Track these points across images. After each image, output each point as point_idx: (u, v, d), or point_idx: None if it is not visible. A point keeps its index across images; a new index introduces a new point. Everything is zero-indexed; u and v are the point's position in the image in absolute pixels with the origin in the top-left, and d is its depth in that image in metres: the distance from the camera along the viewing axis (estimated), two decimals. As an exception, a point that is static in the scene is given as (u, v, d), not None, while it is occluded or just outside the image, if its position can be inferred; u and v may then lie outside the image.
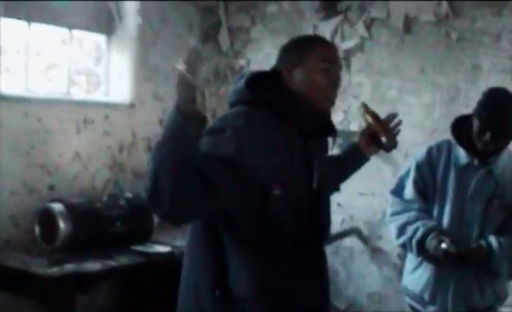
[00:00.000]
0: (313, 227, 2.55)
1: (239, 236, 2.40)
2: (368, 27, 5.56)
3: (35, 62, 5.24)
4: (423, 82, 5.32)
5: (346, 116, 5.65)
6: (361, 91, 5.60)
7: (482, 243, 3.56)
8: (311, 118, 2.56)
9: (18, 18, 4.90)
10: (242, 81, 2.55)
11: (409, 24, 5.38)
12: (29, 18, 4.98)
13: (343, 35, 5.69)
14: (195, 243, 2.54)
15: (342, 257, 5.72)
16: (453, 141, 3.65)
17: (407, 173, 3.80)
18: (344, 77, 5.62)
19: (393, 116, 3.18)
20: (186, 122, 2.16)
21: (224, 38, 6.26)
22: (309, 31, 5.75)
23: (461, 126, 3.66)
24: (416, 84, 5.33)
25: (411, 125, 5.29)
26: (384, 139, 3.05)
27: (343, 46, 5.65)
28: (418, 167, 3.74)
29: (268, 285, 2.43)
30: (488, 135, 3.46)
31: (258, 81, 2.56)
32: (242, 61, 6.17)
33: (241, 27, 6.21)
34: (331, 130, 2.68)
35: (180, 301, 2.65)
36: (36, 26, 5.07)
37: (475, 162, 3.59)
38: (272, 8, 6.05)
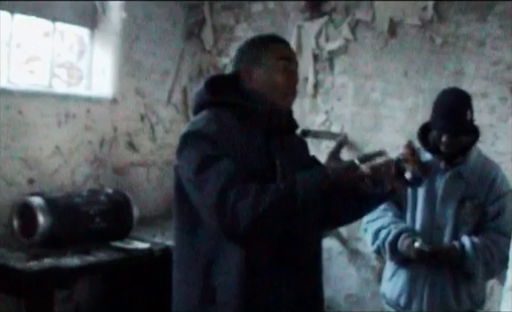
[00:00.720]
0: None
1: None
2: (352, 29, 5.56)
3: (16, 54, 5.19)
4: (407, 86, 5.33)
5: (328, 117, 5.65)
6: (344, 93, 5.61)
7: (456, 243, 3.58)
8: (271, 116, 2.59)
9: (1, 9, 4.86)
10: (202, 85, 2.62)
11: (393, 27, 5.39)
12: (13, 9, 4.94)
13: (327, 36, 5.68)
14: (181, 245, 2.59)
15: (321, 258, 5.72)
16: (420, 147, 3.69)
17: None
18: (328, 78, 5.64)
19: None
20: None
21: (208, 36, 6.25)
22: (293, 31, 5.75)
23: (426, 132, 3.71)
24: (400, 87, 5.34)
25: (394, 128, 5.31)
26: (411, 171, 2.66)
27: (327, 47, 5.65)
28: None
29: (252, 289, 2.45)
30: (445, 137, 3.53)
31: (218, 83, 2.62)
32: (225, 60, 6.15)
33: (225, 25, 6.20)
34: (292, 127, 2.75)
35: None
36: (18, 17, 5.03)
37: (442, 165, 3.64)
38: (256, 7, 6.04)
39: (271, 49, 2.62)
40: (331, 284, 5.59)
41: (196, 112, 2.60)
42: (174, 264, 2.63)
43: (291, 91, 2.64)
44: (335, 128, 5.57)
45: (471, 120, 3.59)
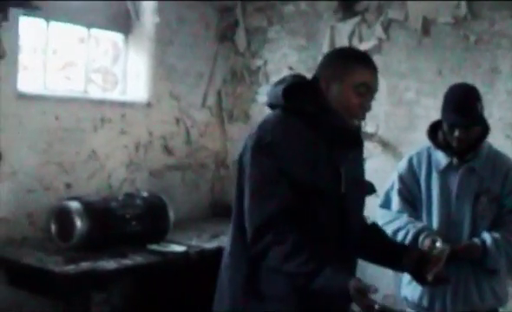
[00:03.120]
0: (344, 230, 2.66)
1: None
2: (386, 28, 5.54)
3: (52, 61, 5.26)
4: (441, 85, 5.26)
5: (363, 117, 5.62)
6: (378, 93, 5.55)
7: (476, 240, 3.57)
8: (338, 131, 2.64)
9: (38, 17, 4.92)
10: (280, 87, 2.67)
11: (427, 26, 5.35)
12: (48, 17, 5.00)
13: (360, 36, 5.67)
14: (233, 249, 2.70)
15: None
16: (432, 146, 3.67)
17: (392, 186, 3.82)
18: (362, 79, 5.61)
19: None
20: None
21: (241, 38, 6.26)
22: (326, 32, 5.74)
23: (437, 130, 3.70)
24: (434, 86, 5.29)
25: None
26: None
27: (360, 47, 5.62)
28: (401, 178, 3.79)
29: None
30: (457, 131, 3.52)
31: (295, 87, 2.67)
32: (259, 62, 6.16)
33: (258, 27, 6.21)
34: (358, 143, 2.78)
35: (216, 302, 2.78)
36: (54, 25, 5.09)
37: (455, 161, 3.63)
38: (289, 8, 6.04)
39: (355, 70, 2.64)
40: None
41: (271, 107, 2.74)
42: (225, 261, 2.74)
43: (361, 115, 2.69)
44: (369, 128, 5.54)
45: (481, 114, 3.58)
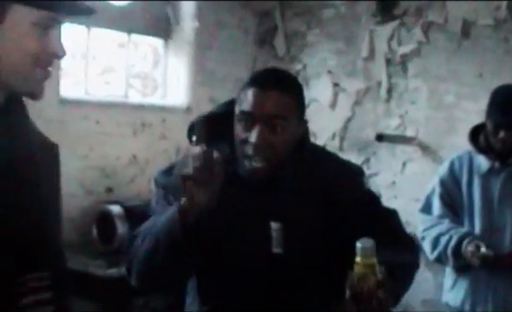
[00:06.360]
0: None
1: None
2: (425, 31, 5.51)
3: (92, 66, 5.32)
4: (481, 88, 5.24)
5: (402, 121, 5.60)
6: (418, 96, 5.55)
7: None
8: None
9: (79, 23, 4.98)
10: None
11: (467, 28, 5.31)
12: (89, 23, 5.06)
13: (399, 39, 5.65)
14: None
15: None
16: (473, 150, 3.64)
17: (433, 191, 3.80)
18: (401, 82, 5.59)
19: None
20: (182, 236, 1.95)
21: (280, 43, 6.27)
22: (365, 36, 5.73)
23: (478, 134, 3.68)
24: (474, 89, 5.25)
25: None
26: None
27: (400, 50, 5.61)
28: (442, 182, 3.76)
29: None
30: (502, 132, 3.49)
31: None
32: (298, 66, 6.17)
33: (297, 31, 6.21)
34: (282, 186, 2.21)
35: None
36: (94, 30, 5.15)
37: (497, 165, 3.60)
38: (328, 12, 6.04)
39: (239, 98, 2.20)
40: (407, 289, 5.54)
41: None
42: None
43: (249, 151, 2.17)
44: (409, 132, 5.52)
45: None
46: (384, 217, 2.33)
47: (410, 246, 2.36)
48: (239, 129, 2.14)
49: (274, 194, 2.17)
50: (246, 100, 2.13)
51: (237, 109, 2.16)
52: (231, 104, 2.25)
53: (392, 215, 2.37)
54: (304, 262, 2.18)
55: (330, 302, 2.14)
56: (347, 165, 2.40)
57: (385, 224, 2.28)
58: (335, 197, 2.21)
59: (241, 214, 2.13)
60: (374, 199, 2.37)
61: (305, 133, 2.29)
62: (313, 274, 2.20)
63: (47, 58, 1.71)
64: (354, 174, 2.37)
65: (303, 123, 2.24)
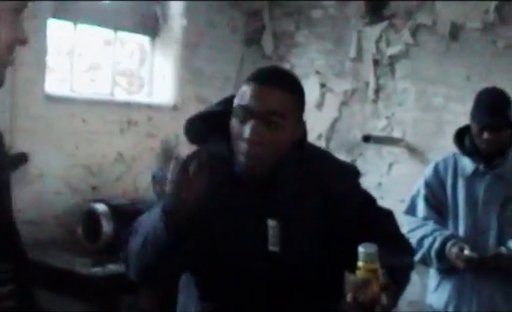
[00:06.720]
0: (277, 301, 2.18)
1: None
2: (413, 33, 5.51)
3: (78, 63, 5.29)
4: (469, 90, 5.24)
5: (390, 122, 5.60)
6: (406, 98, 5.56)
7: (502, 249, 3.54)
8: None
9: (66, 19, 4.95)
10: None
11: (455, 31, 5.32)
12: (76, 19, 5.02)
13: (388, 40, 5.64)
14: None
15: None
16: (458, 152, 3.65)
17: (418, 192, 3.81)
18: (389, 83, 5.59)
19: None
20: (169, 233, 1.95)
21: (268, 42, 6.26)
22: (354, 36, 5.73)
23: (464, 136, 3.70)
24: (462, 92, 5.26)
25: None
26: None
27: (388, 52, 5.61)
28: (427, 184, 3.78)
29: None
30: (486, 133, 3.51)
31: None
32: (286, 66, 6.15)
33: (286, 31, 6.20)
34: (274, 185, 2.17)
35: None
36: (81, 27, 5.12)
37: (481, 168, 3.62)
38: (316, 12, 6.03)
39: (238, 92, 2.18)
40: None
41: None
42: None
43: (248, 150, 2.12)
44: (396, 134, 5.52)
45: (510, 118, 3.56)
46: (381, 217, 2.34)
47: (407, 248, 2.39)
48: (235, 124, 2.11)
49: (272, 193, 2.15)
50: (244, 94, 2.09)
51: (235, 104, 2.13)
52: (230, 101, 2.19)
53: (388, 216, 2.37)
54: (300, 261, 2.17)
55: (327, 302, 2.15)
56: (344, 166, 2.41)
57: (382, 225, 2.29)
58: (332, 197, 2.20)
59: (239, 213, 2.12)
60: (371, 200, 2.37)
61: (304, 133, 2.28)
62: (310, 273, 2.19)
63: (16, 45, 1.66)
64: (351, 174, 2.36)
65: (302, 124, 2.24)
